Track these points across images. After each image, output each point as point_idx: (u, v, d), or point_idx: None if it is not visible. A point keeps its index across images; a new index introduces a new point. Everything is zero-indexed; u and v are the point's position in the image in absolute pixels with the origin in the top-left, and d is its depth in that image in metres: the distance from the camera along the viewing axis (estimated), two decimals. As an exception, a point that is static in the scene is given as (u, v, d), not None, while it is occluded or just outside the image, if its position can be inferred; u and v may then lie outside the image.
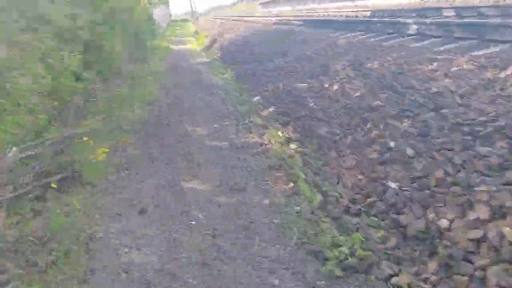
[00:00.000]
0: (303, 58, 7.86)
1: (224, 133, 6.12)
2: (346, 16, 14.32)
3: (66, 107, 6.13)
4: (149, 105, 7.97)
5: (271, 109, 6.49)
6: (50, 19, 6.93)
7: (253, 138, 5.68)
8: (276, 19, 18.29)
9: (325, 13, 17.16)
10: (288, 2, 29.95)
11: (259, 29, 16.25)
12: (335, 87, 5.45)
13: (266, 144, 5.34)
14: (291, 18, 16.90)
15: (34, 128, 5.16)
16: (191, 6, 31.75)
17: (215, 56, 15.62)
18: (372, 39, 7.78)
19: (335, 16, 15.22)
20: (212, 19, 50.89)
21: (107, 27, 9.66)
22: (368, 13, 13.11)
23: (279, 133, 5.51)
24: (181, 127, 6.45)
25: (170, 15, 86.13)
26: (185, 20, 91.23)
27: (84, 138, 4.36)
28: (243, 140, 5.68)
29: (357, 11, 14.82)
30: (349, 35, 8.83)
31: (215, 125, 6.58)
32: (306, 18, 15.06)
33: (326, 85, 5.65)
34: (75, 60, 7.43)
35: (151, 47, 20.05)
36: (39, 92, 5.84)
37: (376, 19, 10.29)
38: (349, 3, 19.37)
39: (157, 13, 40.80)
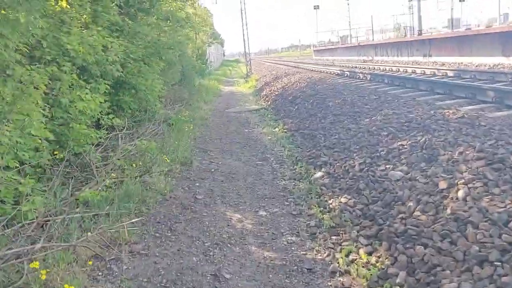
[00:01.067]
0: (385, 127, 5.87)
1: (274, 231, 4.16)
2: (424, 74, 12.31)
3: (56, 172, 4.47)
4: (182, 165, 6.22)
5: (342, 200, 4.49)
6: (67, 49, 5.50)
7: (318, 252, 3.68)
8: (336, 70, 16.60)
9: (396, 68, 15.25)
10: (346, 51, 28.49)
11: (316, 79, 14.57)
12: (461, 193, 3.39)
13: (342, 273, 3.31)
14: (354, 69, 15.14)
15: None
16: (244, 47, 31.12)
17: (265, 104, 14.02)
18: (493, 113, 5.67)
19: (409, 72, 13.26)
20: (264, 62, 50.52)
21: (145, 63, 8.28)
22: (451, 73, 11.04)
23: (363, 253, 3.47)
24: (214, 214, 4.57)
25: (224, 55, 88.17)
26: (238, 61, 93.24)
27: (34, 264, 2.44)
28: (301, 252, 3.69)
29: (433, 68, 12.78)
30: (449, 102, 6.77)
31: (261, 212, 4.66)
32: (375, 72, 13.20)
33: (443, 185, 3.60)
34: (96, 101, 5.86)
35: (199, 87, 18.99)
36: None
37: (479, 83, 8.18)
38: (419, 58, 17.39)
39: (211, 51, 40.89)
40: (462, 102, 6.59)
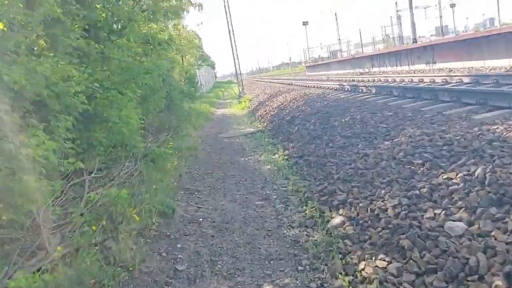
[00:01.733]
0: (416, 152, 4.64)
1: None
2: (434, 82, 11.17)
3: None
4: (160, 216, 4.93)
5: (379, 263, 3.21)
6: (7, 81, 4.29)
7: None
8: (333, 85, 15.53)
9: (400, 78, 14.16)
10: (340, 65, 27.59)
11: (315, 95, 13.44)
12: None
13: None
14: (353, 83, 14.08)
15: None
16: (235, 67, 30.21)
17: (261, 126, 12.83)
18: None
19: (416, 82, 12.13)
20: (256, 81, 49.74)
21: (119, 92, 7.10)
22: (467, 79, 9.90)
23: None
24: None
25: (215, 77, 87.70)
26: (230, 82, 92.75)
27: None
28: None
29: (442, 76, 11.67)
30: (489, 115, 5.53)
31: (266, 286, 3.37)
32: (379, 84, 12.08)
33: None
34: (52, 144, 4.59)
35: (188, 112, 17.84)
36: None
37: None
38: (421, 66, 16.36)
39: (201, 74, 40.03)
40: (507, 115, 5.27)
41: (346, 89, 12.61)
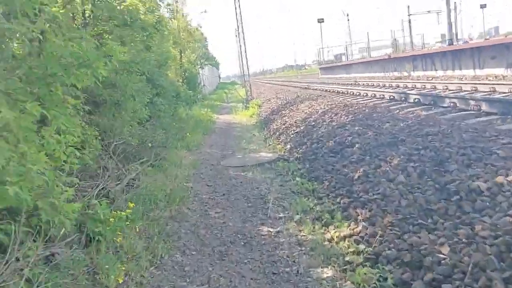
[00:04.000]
0: None
1: None
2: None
3: None
4: None
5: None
6: None
7: None
8: (370, 91, 11.73)
9: (491, 87, 10.31)
10: (367, 67, 23.73)
11: (357, 105, 9.65)
12: None
13: None
14: (404, 91, 10.31)
15: None
16: (242, 65, 26.44)
17: (282, 148, 9.04)
18: None
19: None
20: (263, 83, 45.77)
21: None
22: None
23: None
24: None
25: (219, 77, 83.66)
26: (234, 83, 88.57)
27: None
28: None
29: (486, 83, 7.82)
30: None
31: None
32: (472, 95, 8.26)
33: None
34: None
35: (185, 120, 14.05)
36: None
37: None
38: (500, 71, 12.45)
39: (204, 74, 36.22)
40: None
41: (392, 97, 8.78)
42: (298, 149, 8.18)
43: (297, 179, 6.51)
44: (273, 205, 5.39)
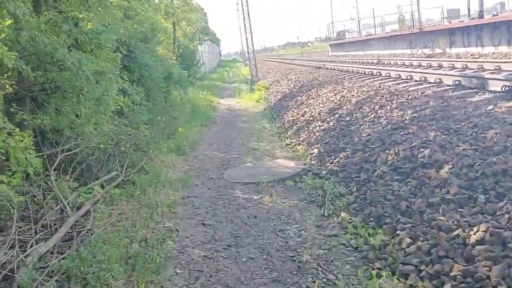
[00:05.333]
0: None
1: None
2: None
3: None
4: None
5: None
6: None
7: None
8: (418, 73, 9.22)
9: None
10: (387, 43, 20.91)
11: (409, 94, 7.20)
12: None
13: None
14: (480, 73, 7.81)
15: None
16: (246, 43, 23.71)
17: (303, 150, 6.67)
18: None
19: None
20: (267, 61, 42.60)
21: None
22: None
23: None
24: None
25: (220, 54, 79.82)
26: (235, 61, 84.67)
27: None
28: None
29: None
30: None
31: None
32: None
33: None
34: None
35: (180, 105, 11.57)
36: None
37: None
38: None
39: (203, 51, 33.34)
40: None
41: (477, 86, 6.31)
42: (332, 157, 5.78)
43: (343, 215, 4.14)
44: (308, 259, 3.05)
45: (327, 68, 16.71)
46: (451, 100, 5.67)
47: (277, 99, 13.31)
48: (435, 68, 10.39)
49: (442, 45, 14.70)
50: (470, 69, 8.92)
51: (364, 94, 7.81)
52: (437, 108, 5.41)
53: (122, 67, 7.15)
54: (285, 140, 7.97)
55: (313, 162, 6.09)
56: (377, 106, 6.63)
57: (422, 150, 4.35)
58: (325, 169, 5.57)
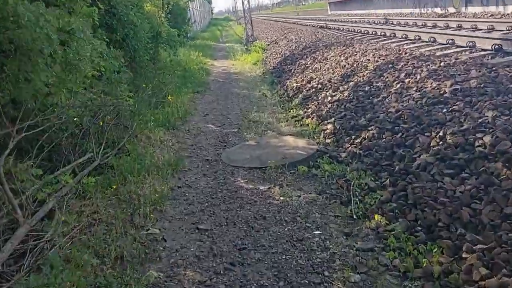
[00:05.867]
0: None
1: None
2: None
3: None
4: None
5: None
6: None
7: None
8: (451, 35, 8.12)
9: None
10: (397, 0, 19.45)
11: (418, 60, 6.16)
12: None
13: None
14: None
15: None
16: (242, 2, 21.98)
17: (314, 125, 5.70)
18: None
19: None
20: (262, 20, 40.31)
21: None
22: None
23: None
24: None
25: (212, 12, 76.23)
26: (228, 19, 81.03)
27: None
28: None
29: None
30: None
31: None
32: None
33: None
34: None
35: (170, 69, 10.36)
36: None
37: None
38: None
39: (194, 8, 31.24)
40: None
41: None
42: (352, 136, 4.81)
43: (377, 218, 3.24)
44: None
45: (330, 28, 15.37)
46: (500, 69, 4.66)
47: (276, 61, 12.12)
48: (454, 29, 9.23)
49: (456, 3, 13.39)
50: (499, 31, 7.82)
51: (383, 59, 6.73)
52: (484, 79, 4.40)
53: (101, 25, 5.98)
54: (290, 112, 6.96)
55: (327, 141, 5.13)
56: (403, 74, 5.60)
57: (478, 135, 3.40)
58: (344, 151, 4.63)
